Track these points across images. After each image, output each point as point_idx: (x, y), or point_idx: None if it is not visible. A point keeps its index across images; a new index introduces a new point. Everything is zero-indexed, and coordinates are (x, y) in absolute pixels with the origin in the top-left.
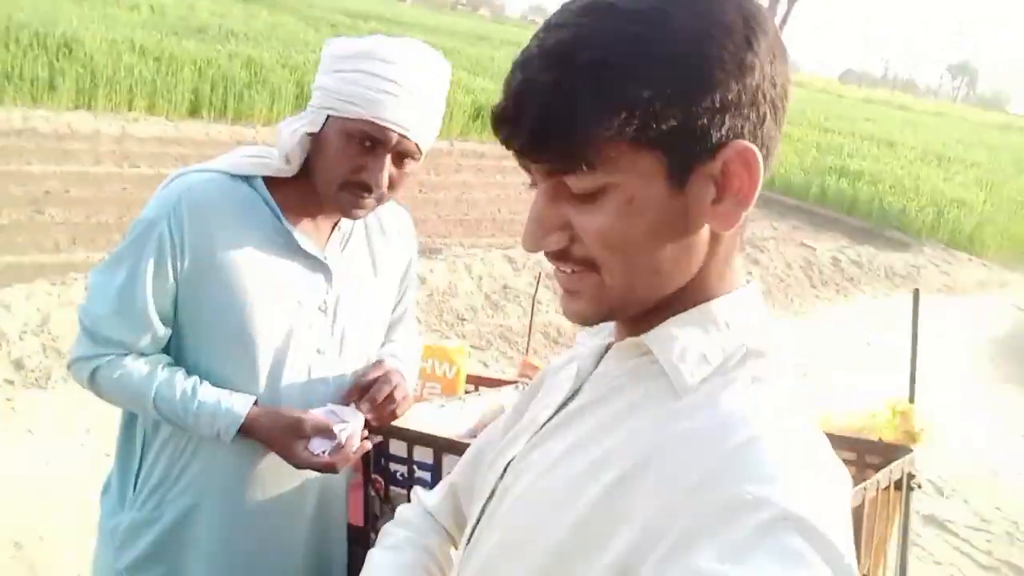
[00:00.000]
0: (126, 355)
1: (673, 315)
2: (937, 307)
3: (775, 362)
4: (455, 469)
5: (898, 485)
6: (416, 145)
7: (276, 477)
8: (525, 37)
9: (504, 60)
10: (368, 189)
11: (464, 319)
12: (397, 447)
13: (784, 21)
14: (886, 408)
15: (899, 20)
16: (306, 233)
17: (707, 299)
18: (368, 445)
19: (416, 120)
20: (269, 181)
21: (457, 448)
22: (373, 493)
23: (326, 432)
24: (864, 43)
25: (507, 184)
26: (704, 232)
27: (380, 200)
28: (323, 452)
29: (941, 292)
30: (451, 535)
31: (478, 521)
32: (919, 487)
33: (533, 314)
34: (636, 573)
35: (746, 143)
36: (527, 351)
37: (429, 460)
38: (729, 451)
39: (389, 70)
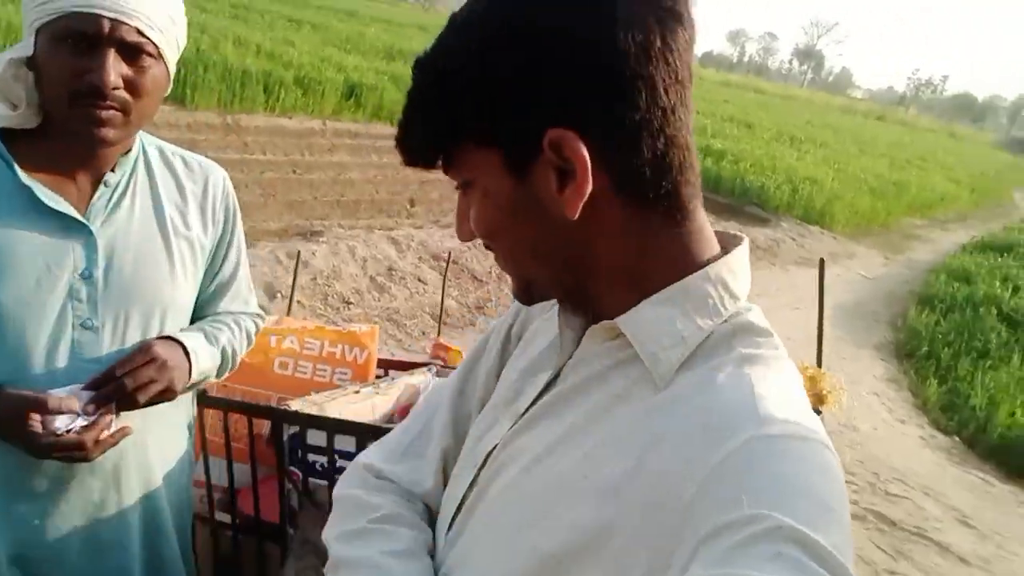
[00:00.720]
0: None
1: (647, 296)
2: (795, 279)
3: (764, 335)
4: (437, 432)
5: None
6: (139, 31)
7: (77, 483)
8: (394, 13)
9: (375, 37)
10: (98, 94)
11: (350, 302)
12: (315, 437)
13: None
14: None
15: (755, 7)
16: (58, 190)
17: (680, 275)
18: (126, 432)
19: (133, 2)
20: (9, 136)
21: (381, 434)
22: (290, 486)
23: (69, 411)
24: (722, 28)
25: (384, 164)
26: (600, 216)
27: (126, 111)
28: (68, 431)
29: (798, 263)
30: (432, 501)
31: (458, 510)
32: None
33: (444, 294)
34: None
35: (561, 130)
36: (438, 332)
37: (352, 448)
38: (722, 461)
39: None
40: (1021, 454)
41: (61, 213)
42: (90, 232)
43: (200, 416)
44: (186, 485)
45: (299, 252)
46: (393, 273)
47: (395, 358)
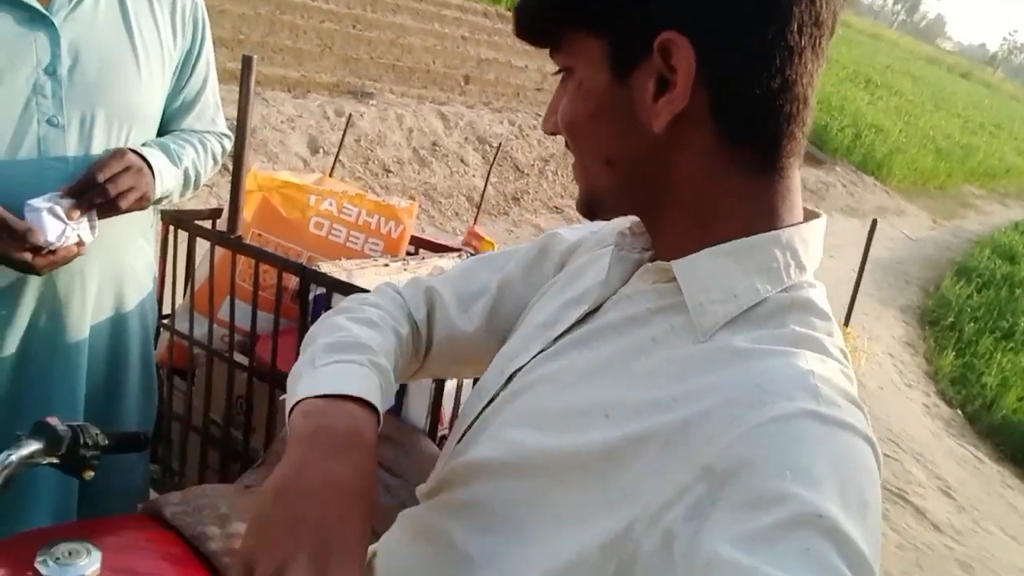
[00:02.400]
0: None
1: (710, 244)
2: (838, 227)
3: (822, 317)
4: (436, 277)
5: None
6: None
7: (39, 277)
8: None
9: None
10: None
11: (390, 171)
12: (340, 300)
13: None
14: None
15: None
16: None
17: (751, 231)
18: (80, 250)
19: None
20: None
21: None
22: None
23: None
24: None
25: (445, 35)
26: (688, 139)
27: None
28: (59, 239)
29: (843, 211)
30: (420, 331)
31: (471, 424)
32: None
33: (488, 182)
34: (638, 543)
35: (676, 33)
36: (475, 220)
37: None
38: (772, 421)
39: None
40: (1019, 438)
41: (22, 3)
42: (53, 25)
43: (232, 260)
44: (150, 302)
45: (349, 115)
46: (437, 149)
47: (427, 237)
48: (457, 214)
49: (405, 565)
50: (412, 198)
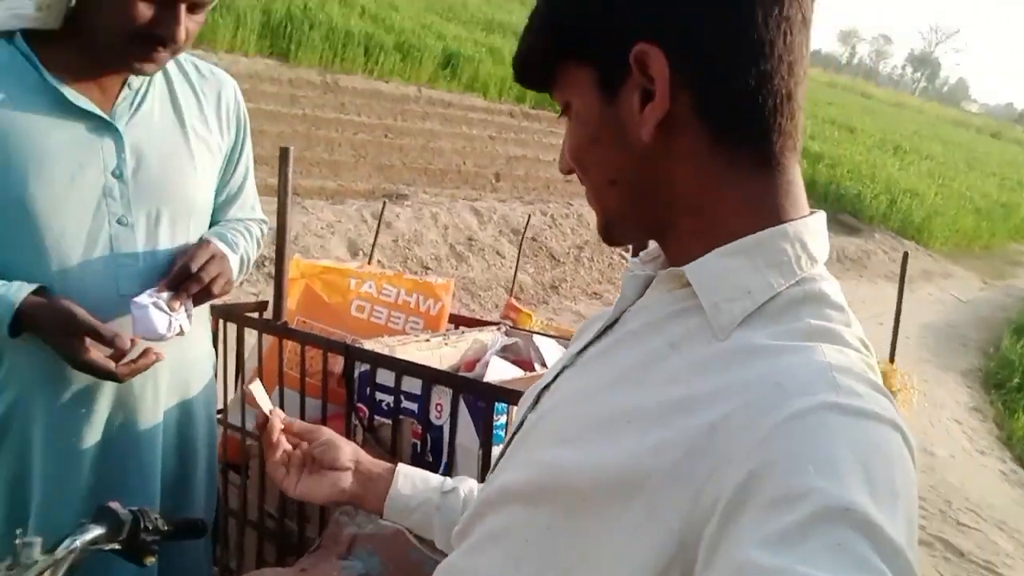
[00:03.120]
0: None
1: (718, 245)
2: (883, 293)
3: (837, 309)
4: None
5: None
6: None
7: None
8: None
9: (476, 7)
10: (163, 43)
11: (428, 267)
12: (383, 376)
13: None
14: None
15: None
16: (83, 91)
17: (757, 228)
18: (155, 358)
19: None
20: (34, 36)
21: (447, 380)
22: (356, 421)
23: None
24: (833, 26)
25: (473, 136)
26: (680, 145)
27: (174, 53)
28: (168, 331)
29: (887, 279)
30: None
31: (504, 451)
32: None
33: (519, 258)
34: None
35: (647, 44)
36: (510, 293)
37: (417, 391)
38: (792, 417)
39: None
40: None
41: (89, 112)
42: (117, 131)
43: (280, 348)
44: (212, 390)
45: (384, 203)
46: (472, 243)
47: (466, 315)
48: (496, 306)
49: None
50: (451, 294)
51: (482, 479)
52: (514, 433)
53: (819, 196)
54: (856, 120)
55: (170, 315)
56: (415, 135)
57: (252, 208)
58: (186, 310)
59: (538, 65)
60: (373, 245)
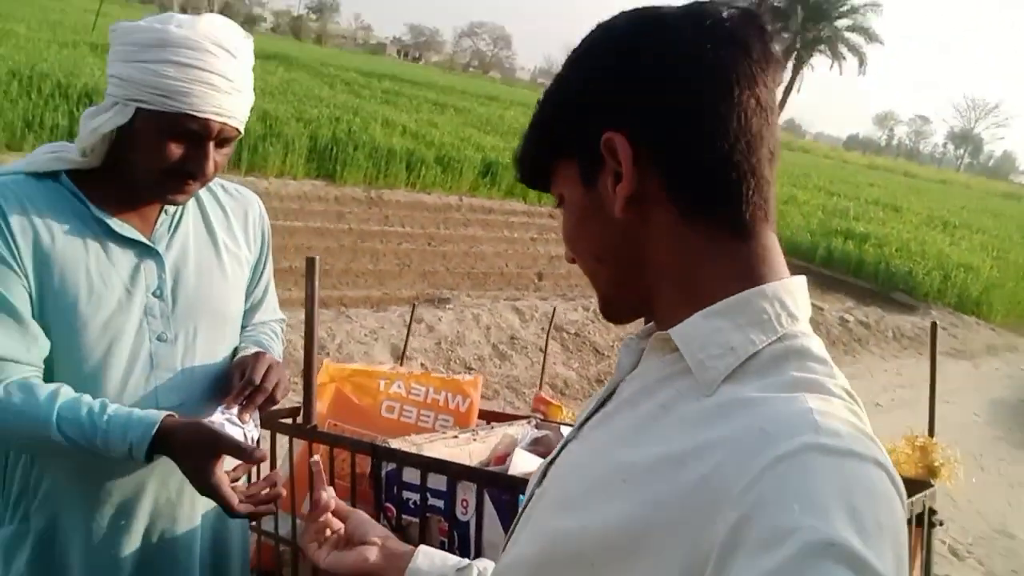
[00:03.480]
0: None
1: (700, 309)
2: (947, 370)
3: (820, 362)
4: None
5: (919, 520)
6: (236, 128)
7: (139, 488)
8: (533, 98)
9: (513, 119)
10: (193, 177)
11: (471, 368)
12: (410, 474)
13: (788, 89)
14: (905, 443)
15: (905, 89)
16: (125, 220)
17: (737, 291)
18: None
19: (234, 104)
20: (76, 175)
21: (471, 475)
22: (384, 521)
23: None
24: (869, 110)
25: (514, 239)
26: (653, 220)
27: (204, 184)
28: (251, 440)
29: (950, 355)
30: None
31: (514, 527)
32: (940, 524)
33: (547, 346)
34: None
35: (613, 132)
36: (539, 387)
37: (443, 487)
38: (776, 461)
39: (199, 58)
40: None
41: (134, 240)
42: (159, 254)
43: (309, 451)
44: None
45: (413, 306)
46: (515, 342)
47: (496, 410)
48: (539, 386)
49: None
50: (496, 392)
51: None
52: (523, 509)
53: (869, 275)
54: (901, 199)
55: (243, 428)
56: (458, 241)
57: (274, 310)
58: (253, 420)
59: (533, 163)
60: (404, 346)
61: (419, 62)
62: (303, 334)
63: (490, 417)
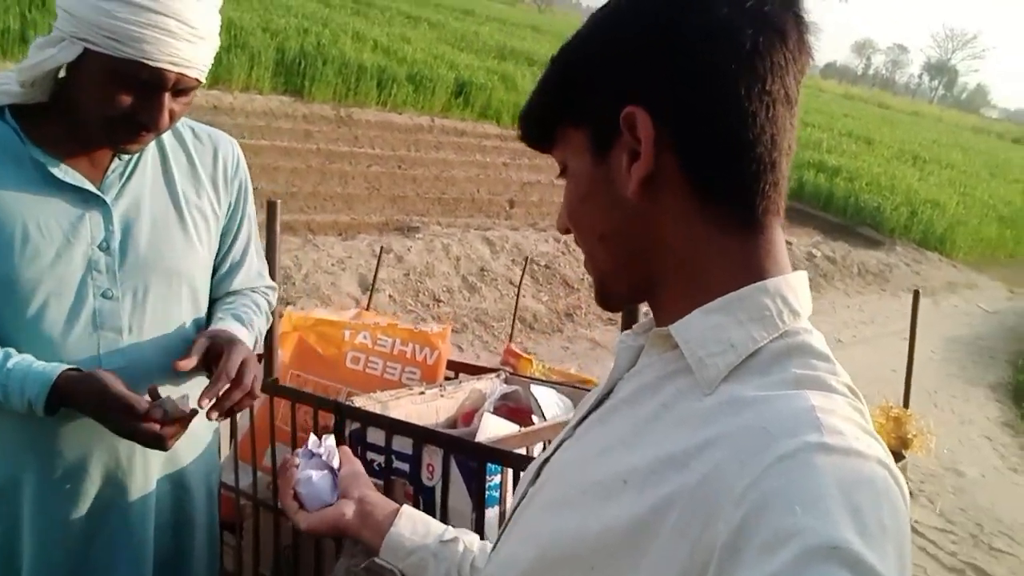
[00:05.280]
0: None
1: (702, 305)
2: (906, 306)
3: (823, 359)
4: None
5: None
6: (196, 78)
7: (89, 450)
8: (510, 13)
9: (488, 35)
10: (146, 128)
11: (440, 300)
12: (375, 435)
13: None
14: (880, 412)
15: (885, 17)
16: (72, 164)
17: (738, 286)
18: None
19: (194, 53)
20: (21, 110)
21: (436, 438)
22: None
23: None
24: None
25: (487, 164)
26: (665, 203)
27: (159, 134)
28: (332, 496)
29: (911, 291)
30: None
31: (507, 525)
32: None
33: (518, 301)
34: None
35: (634, 107)
36: (510, 338)
37: (408, 450)
38: (777, 461)
39: (158, 2)
40: None
41: (79, 188)
42: (105, 204)
43: (271, 404)
44: (212, 460)
45: (382, 248)
46: (485, 274)
47: (465, 361)
48: (514, 338)
49: None
50: (464, 325)
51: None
52: (515, 507)
53: (838, 210)
54: (874, 131)
55: (328, 468)
56: (428, 165)
57: (259, 275)
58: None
59: (539, 124)
60: (372, 286)
61: None
62: None
63: (458, 368)
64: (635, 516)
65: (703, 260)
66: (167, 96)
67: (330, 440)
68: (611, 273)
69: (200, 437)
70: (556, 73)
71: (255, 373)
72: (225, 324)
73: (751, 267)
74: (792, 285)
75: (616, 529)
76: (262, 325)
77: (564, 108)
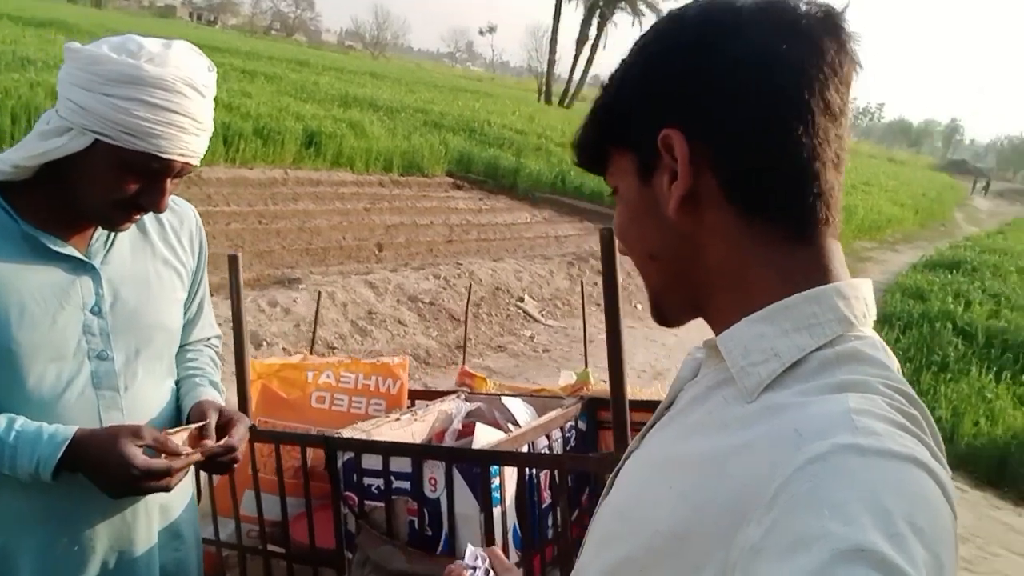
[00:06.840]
0: None
1: (748, 314)
2: None
3: (875, 365)
4: None
5: None
6: (195, 164)
7: (94, 511)
8: (345, 62)
9: (328, 85)
10: (144, 211)
11: (334, 347)
12: (371, 461)
13: (595, 46)
14: None
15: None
16: (59, 234)
17: (786, 296)
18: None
19: (199, 144)
20: (4, 184)
21: (435, 453)
22: (346, 510)
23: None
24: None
25: (348, 211)
26: (708, 221)
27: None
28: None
29: None
30: None
31: (586, 536)
32: None
33: (467, 323)
34: None
35: (670, 129)
36: (462, 361)
37: (407, 469)
38: (807, 463)
39: (170, 100)
40: (988, 461)
41: (68, 256)
42: (94, 269)
43: (251, 451)
44: (194, 510)
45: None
46: (373, 316)
47: (422, 389)
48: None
49: None
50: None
51: (484, 543)
52: (593, 520)
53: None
54: None
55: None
56: (289, 217)
57: (210, 325)
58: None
59: (590, 150)
60: (314, 329)
61: (215, 26)
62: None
63: (417, 396)
64: (676, 518)
65: (749, 274)
66: (169, 181)
67: (480, 550)
68: (662, 290)
69: (184, 483)
70: (605, 98)
71: (243, 436)
72: (209, 393)
73: (799, 278)
74: (845, 293)
75: (661, 531)
76: (218, 376)
77: (611, 134)
